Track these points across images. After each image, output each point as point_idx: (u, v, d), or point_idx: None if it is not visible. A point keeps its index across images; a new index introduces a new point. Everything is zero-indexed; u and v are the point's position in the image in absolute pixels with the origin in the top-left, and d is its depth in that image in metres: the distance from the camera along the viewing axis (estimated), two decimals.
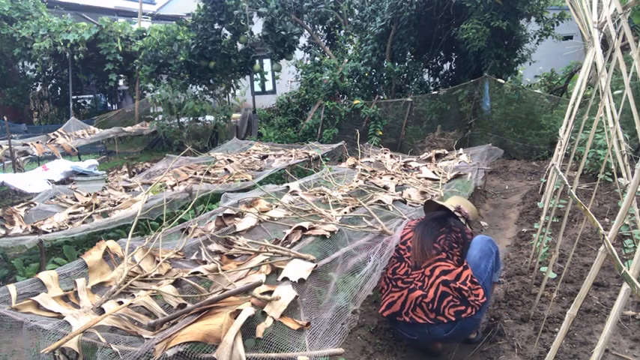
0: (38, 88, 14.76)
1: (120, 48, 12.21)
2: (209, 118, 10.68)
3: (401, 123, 9.74)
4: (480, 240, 2.68)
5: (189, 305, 2.03)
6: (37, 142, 8.61)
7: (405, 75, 10.66)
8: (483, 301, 2.40)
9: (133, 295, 2.25)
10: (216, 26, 10.55)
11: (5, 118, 8.41)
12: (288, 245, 2.80)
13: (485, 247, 2.63)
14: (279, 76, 13.58)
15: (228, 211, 3.44)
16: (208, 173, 5.80)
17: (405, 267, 2.57)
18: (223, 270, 2.49)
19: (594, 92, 3.13)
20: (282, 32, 10.09)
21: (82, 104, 15.66)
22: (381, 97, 10.67)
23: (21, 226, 4.07)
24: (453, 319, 2.36)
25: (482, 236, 2.74)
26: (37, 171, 6.99)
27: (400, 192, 4.36)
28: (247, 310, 1.88)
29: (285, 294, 2.10)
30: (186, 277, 2.44)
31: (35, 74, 14.33)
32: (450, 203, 3.09)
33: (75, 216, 4.35)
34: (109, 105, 16.86)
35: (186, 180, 5.53)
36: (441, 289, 2.40)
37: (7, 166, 7.73)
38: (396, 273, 2.58)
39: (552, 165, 4.38)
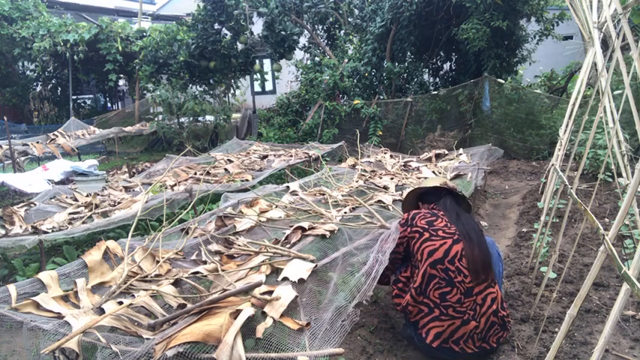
0: (38, 88, 14.77)
1: (120, 48, 12.21)
2: (209, 118, 10.68)
3: (401, 123, 9.75)
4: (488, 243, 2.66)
5: (189, 305, 2.03)
6: (37, 142, 8.61)
7: (405, 75, 10.66)
8: (511, 323, 2.51)
9: (133, 295, 2.25)
10: (216, 26, 10.55)
11: (5, 118, 8.41)
12: (288, 245, 2.80)
13: (494, 252, 2.63)
14: (279, 76, 13.58)
15: (228, 211, 3.44)
16: (208, 173, 5.80)
17: (457, 294, 2.33)
18: (223, 270, 2.49)
19: (594, 92, 3.13)
20: (282, 32, 10.09)
21: (82, 104, 15.67)
22: (381, 97, 10.68)
23: (21, 226, 4.07)
24: (495, 345, 2.42)
25: (487, 238, 2.72)
26: (37, 171, 6.99)
27: (400, 192, 4.35)
28: (247, 310, 1.88)
29: (285, 294, 2.10)
30: (186, 277, 2.44)
31: (35, 74, 14.34)
32: (438, 183, 2.84)
33: (75, 216, 4.35)
34: (109, 105, 16.87)
35: (186, 180, 5.53)
36: (491, 319, 2.38)
37: (7, 166, 7.73)
38: (446, 299, 2.33)
39: (552, 165, 4.38)
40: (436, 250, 2.38)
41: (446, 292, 2.33)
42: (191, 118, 10.37)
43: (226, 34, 10.93)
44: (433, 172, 5.41)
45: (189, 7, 12.28)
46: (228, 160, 6.64)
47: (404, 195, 2.93)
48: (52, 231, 3.92)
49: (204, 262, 2.68)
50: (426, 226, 2.49)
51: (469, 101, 8.98)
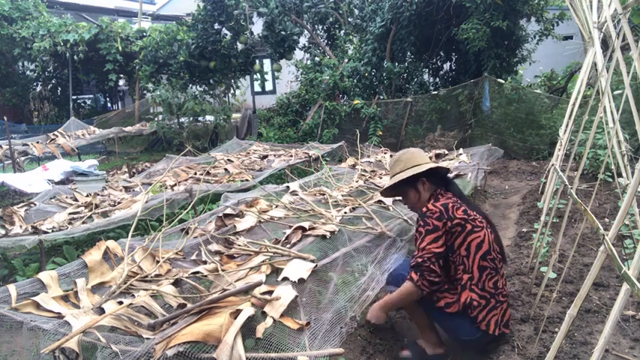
0: (38, 88, 14.78)
1: (120, 48, 12.21)
2: (209, 118, 10.69)
3: (401, 123, 9.75)
4: None
5: (189, 305, 2.03)
6: (37, 142, 8.62)
7: (405, 75, 10.66)
8: None
9: (133, 295, 2.25)
10: (216, 26, 10.56)
11: (5, 118, 8.42)
12: (288, 245, 2.80)
13: None
14: (279, 76, 13.59)
15: (228, 211, 3.44)
16: (208, 173, 5.80)
17: (500, 279, 2.36)
18: (223, 270, 2.49)
19: (594, 92, 3.14)
20: (282, 32, 10.10)
21: (82, 104, 15.67)
22: (381, 97, 10.68)
23: (21, 226, 4.07)
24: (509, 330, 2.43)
25: None
26: (37, 171, 7.00)
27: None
28: (247, 310, 1.88)
29: (285, 294, 2.10)
30: (186, 277, 2.44)
31: (35, 74, 14.34)
32: (426, 163, 2.52)
33: (75, 216, 4.35)
34: (109, 105, 16.88)
35: (186, 180, 5.53)
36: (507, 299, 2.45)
37: (7, 166, 7.74)
38: (497, 287, 2.32)
39: (552, 165, 4.39)
40: (483, 241, 2.30)
41: (496, 281, 2.32)
42: (191, 118, 10.37)
43: (226, 34, 10.93)
44: None
45: (189, 7, 12.29)
46: (228, 160, 6.64)
47: (407, 171, 2.48)
48: (52, 231, 3.92)
49: (204, 262, 2.68)
50: (466, 217, 2.30)
51: (469, 101, 8.99)
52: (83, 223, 4.14)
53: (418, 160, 2.53)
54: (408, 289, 2.27)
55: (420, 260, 2.24)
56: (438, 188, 2.48)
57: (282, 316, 1.98)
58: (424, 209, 2.34)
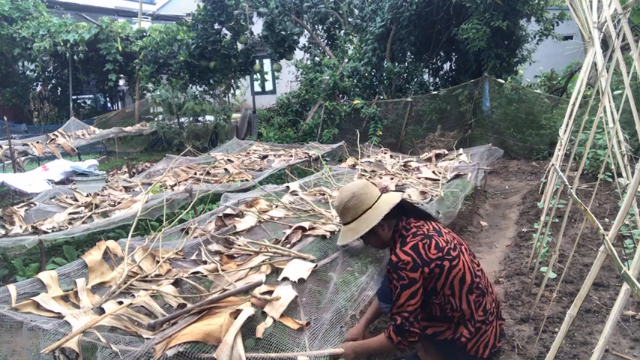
0: (38, 88, 14.79)
1: (120, 48, 12.22)
2: (209, 118, 10.70)
3: (401, 123, 9.75)
4: None
5: (189, 305, 2.03)
6: (37, 142, 8.62)
7: (405, 75, 10.67)
8: None
9: (133, 295, 2.25)
10: (216, 26, 10.56)
11: (5, 118, 8.42)
12: (288, 245, 2.80)
13: None
14: (279, 76, 13.59)
15: (228, 211, 3.44)
16: (208, 173, 5.80)
17: (489, 298, 2.26)
18: (223, 270, 2.49)
19: (594, 92, 3.14)
20: (282, 32, 10.10)
21: (82, 104, 15.68)
22: (381, 97, 10.68)
23: (21, 226, 4.07)
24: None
25: None
26: (37, 171, 7.00)
27: (400, 192, 4.35)
28: (247, 310, 1.88)
29: (285, 294, 2.10)
30: (186, 277, 2.44)
31: (35, 74, 14.35)
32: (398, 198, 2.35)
33: (75, 216, 4.35)
34: (109, 105, 16.88)
35: (186, 180, 5.53)
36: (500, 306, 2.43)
37: (7, 166, 7.74)
38: (486, 311, 2.20)
39: (552, 165, 4.39)
40: (464, 274, 2.14)
41: (485, 305, 2.20)
42: (191, 118, 10.37)
43: (226, 34, 10.94)
44: (433, 171, 5.41)
45: (189, 7, 12.29)
46: (228, 160, 6.64)
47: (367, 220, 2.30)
48: (52, 231, 3.92)
49: (204, 262, 2.67)
50: (441, 254, 2.12)
51: (469, 101, 8.99)
52: (83, 223, 4.14)
53: (367, 200, 2.32)
54: (387, 347, 2.18)
55: (399, 322, 2.09)
56: (399, 222, 2.30)
57: (282, 316, 1.98)
58: (394, 258, 2.13)
